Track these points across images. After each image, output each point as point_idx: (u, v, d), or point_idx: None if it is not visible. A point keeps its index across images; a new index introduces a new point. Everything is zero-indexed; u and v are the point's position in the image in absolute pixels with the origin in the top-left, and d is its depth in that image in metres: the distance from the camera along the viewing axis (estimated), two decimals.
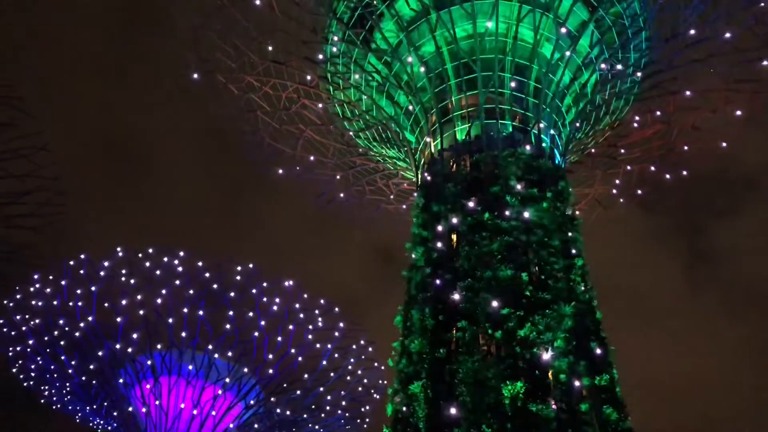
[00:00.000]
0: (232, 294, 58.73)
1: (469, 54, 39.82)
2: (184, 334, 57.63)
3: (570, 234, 35.20)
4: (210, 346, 58.50)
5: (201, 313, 57.39)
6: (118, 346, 57.23)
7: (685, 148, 48.38)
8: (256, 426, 62.36)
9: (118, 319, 56.99)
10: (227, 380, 58.94)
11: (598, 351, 30.38)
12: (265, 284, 59.76)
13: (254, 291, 58.96)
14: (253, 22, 43.34)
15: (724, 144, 47.91)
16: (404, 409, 28.87)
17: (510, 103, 39.32)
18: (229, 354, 58.86)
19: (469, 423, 26.06)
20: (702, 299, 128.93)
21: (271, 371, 59.71)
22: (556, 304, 30.23)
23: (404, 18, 40.95)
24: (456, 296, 30.62)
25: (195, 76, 44.70)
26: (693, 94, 44.88)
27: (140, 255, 59.55)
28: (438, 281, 32.10)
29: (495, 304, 29.55)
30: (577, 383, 28.03)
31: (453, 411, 26.63)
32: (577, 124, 42.28)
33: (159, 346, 58.18)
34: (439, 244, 33.95)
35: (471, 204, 34.10)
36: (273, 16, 43.14)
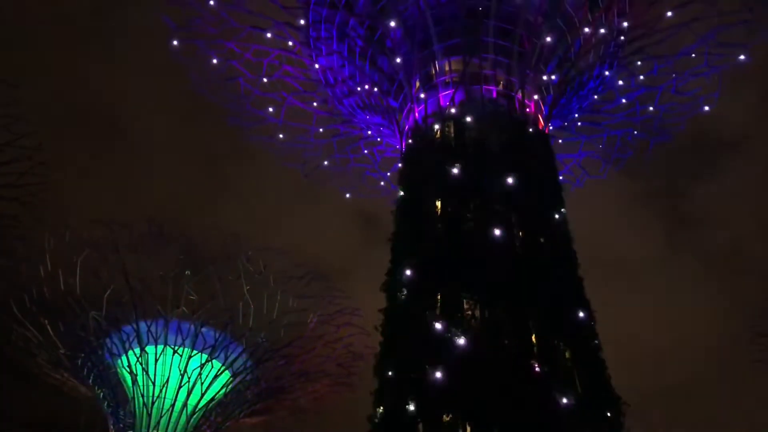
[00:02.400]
0: (217, 262, 58.73)
1: (453, 19, 39.46)
2: (169, 304, 57.69)
3: (553, 198, 35.45)
4: (196, 315, 58.62)
5: (186, 282, 57.42)
6: (103, 316, 57.20)
7: (668, 112, 48.68)
8: (243, 393, 62.84)
9: (103, 289, 56.86)
10: (214, 348, 59.22)
11: (581, 313, 30.80)
12: (250, 252, 59.81)
13: (239, 259, 59.01)
14: None
15: (707, 108, 48.27)
16: (390, 373, 29.20)
17: (494, 68, 39.15)
18: (215, 322, 59.04)
19: (454, 385, 26.46)
20: (682, 261, 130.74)
21: (258, 337, 60.06)
22: (539, 268, 30.59)
23: None
24: (440, 261, 30.80)
25: (174, 42, 44.06)
26: (676, 58, 45.02)
27: (123, 225, 59.24)
28: (423, 247, 32.25)
29: (479, 268, 29.79)
30: (560, 345, 28.48)
31: (438, 375, 26.97)
32: (561, 90, 42.26)
33: (144, 316, 58.22)
34: (423, 211, 34.03)
35: (455, 170, 34.11)
36: None
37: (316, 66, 45.91)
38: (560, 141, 49.70)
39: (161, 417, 58.38)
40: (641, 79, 46.97)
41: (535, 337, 28.71)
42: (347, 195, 57.03)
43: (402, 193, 36.76)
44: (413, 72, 40.37)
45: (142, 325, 58.48)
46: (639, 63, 45.73)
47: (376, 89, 43.07)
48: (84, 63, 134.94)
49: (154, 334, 58.55)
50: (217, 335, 59.45)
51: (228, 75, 46.51)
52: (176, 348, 59.01)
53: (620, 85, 47.21)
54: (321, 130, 50.29)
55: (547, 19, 40.05)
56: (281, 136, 50.38)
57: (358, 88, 44.94)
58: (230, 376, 61.21)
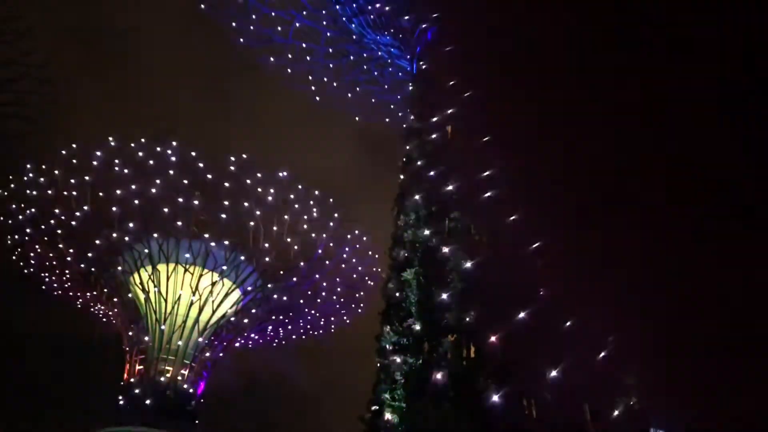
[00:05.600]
0: (227, 184, 58.92)
1: None
2: (180, 223, 58.24)
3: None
4: (206, 235, 59.31)
5: (196, 202, 57.78)
6: (114, 235, 57.92)
7: None
8: (254, 311, 64.31)
9: (114, 209, 57.34)
10: (224, 267, 60.23)
11: None
12: (259, 175, 59.88)
13: (249, 181, 59.15)
14: None
15: None
16: (397, 294, 29.69)
17: None
18: (226, 243, 59.77)
19: (460, 307, 26.93)
20: None
21: (267, 259, 60.92)
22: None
23: None
24: (450, 187, 30.77)
25: None
26: None
27: (132, 145, 59.18)
28: (432, 172, 32.13)
29: (489, 194, 29.77)
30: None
31: (444, 296, 27.41)
32: None
33: (156, 235, 58.94)
34: (433, 136, 33.69)
35: (468, 94, 33.55)
36: None
37: None
38: None
39: (173, 333, 60.09)
40: None
41: (542, 264, 28.95)
42: (356, 117, 56.49)
43: (412, 117, 36.31)
44: None
45: (154, 244, 59.33)
46: None
47: (387, 8, 41.85)
48: None
49: (166, 253, 59.49)
50: (228, 254, 60.34)
51: None
52: (187, 266, 60.06)
53: None
54: (330, 50, 49.19)
55: None
56: (289, 56, 49.43)
57: (369, 7, 43.69)
58: (241, 295, 62.52)
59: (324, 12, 46.55)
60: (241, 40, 48.44)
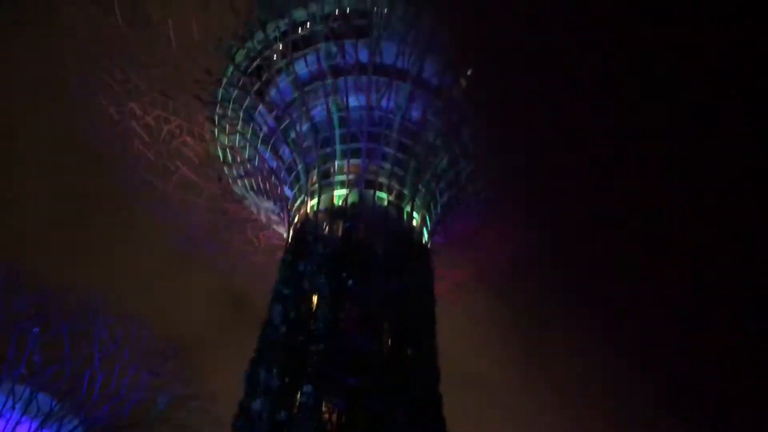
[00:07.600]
0: (71, 323, 54.66)
1: (358, 124, 40.93)
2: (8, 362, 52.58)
3: (427, 311, 36.31)
4: (34, 378, 53.66)
5: (32, 340, 52.80)
6: None
7: None
8: None
9: None
10: (47, 417, 54.12)
11: (436, 428, 31.16)
12: (109, 318, 56.19)
13: (95, 326, 55.26)
14: (147, 50, 42.40)
15: None
16: None
17: (389, 177, 40.54)
18: (55, 389, 54.18)
19: None
20: (537, 384, 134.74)
21: (98, 412, 55.49)
22: (403, 381, 30.82)
23: (301, 77, 41.64)
24: (307, 359, 30.42)
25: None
26: None
27: None
28: (291, 342, 31.80)
29: (344, 372, 29.64)
30: None
31: None
32: (448, 209, 44.16)
33: None
34: (298, 306, 33.77)
35: (337, 269, 34.39)
36: (168, 48, 42.42)
37: (217, 143, 45.78)
38: (440, 256, 51.22)
39: None
40: None
41: None
42: (226, 274, 55.84)
43: (281, 283, 36.45)
44: (312, 166, 41.07)
45: None
46: None
47: (273, 176, 43.30)
48: None
49: None
50: (54, 404, 54.49)
51: (124, 134, 45.29)
52: (3, 411, 53.48)
53: None
54: (209, 205, 49.41)
55: (444, 141, 42.33)
56: (167, 204, 49.05)
57: (254, 172, 45.01)
58: None
59: (209, 169, 47.31)
60: (120, 180, 47.82)
